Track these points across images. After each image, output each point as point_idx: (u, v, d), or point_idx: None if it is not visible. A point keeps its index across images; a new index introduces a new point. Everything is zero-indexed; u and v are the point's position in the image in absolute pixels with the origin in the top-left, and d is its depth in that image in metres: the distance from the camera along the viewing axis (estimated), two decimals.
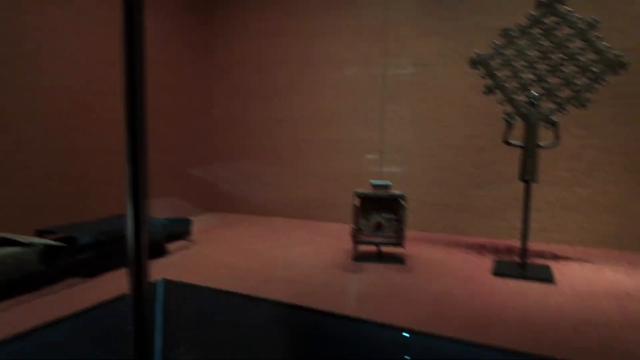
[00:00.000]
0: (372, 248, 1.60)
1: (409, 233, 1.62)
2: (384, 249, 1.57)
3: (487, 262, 1.51)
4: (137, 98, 0.36)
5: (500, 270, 1.39)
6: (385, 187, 1.49)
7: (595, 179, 1.69)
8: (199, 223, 2.16)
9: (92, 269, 1.37)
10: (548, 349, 0.88)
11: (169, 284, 1.28)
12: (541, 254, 1.62)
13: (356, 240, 1.51)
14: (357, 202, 1.49)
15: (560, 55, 1.27)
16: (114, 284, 1.28)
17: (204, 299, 1.23)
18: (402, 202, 1.46)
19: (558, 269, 1.43)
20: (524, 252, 1.41)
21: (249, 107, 2.51)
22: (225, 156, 2.59)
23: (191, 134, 2.50)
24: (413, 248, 1.71)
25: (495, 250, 1.69)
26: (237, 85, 2.53)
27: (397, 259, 1.53)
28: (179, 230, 1.74)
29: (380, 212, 1.51)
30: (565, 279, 1.33)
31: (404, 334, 0.97)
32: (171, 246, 1.69)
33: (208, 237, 1.93)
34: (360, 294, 1.21)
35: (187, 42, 2.43)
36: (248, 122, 2.52)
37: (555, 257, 1.59)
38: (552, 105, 1.31)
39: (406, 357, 0.92)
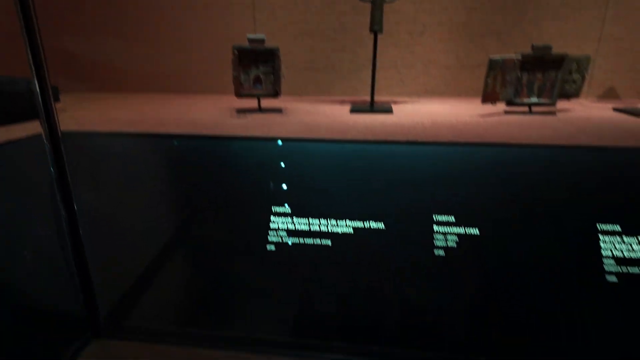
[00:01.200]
0: (254, 104, 1.80)
1: (284, 97, 1.85)
2: (264, 102, 1.78)
3: (346, 108, 1.86)
4: None
5: (355, 109, 1.75)
6: (261, 40, 1.64)
7: (427, 39, 2.11)
8: (68, 99, 2.03)
9: None
10: (382, 138, 1.25)
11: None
12: (386, 102, 2.04)
13: (238, 94, 1.68)
14: (235, 55, 1.62)
15: None
16: None
17: (97, 143, 1.30)
18: (277, 54, 1.64)
19: (396, 107, 1.86)
20: (372, 95, 1.78)
21: None
22: (86, 32, 2.34)
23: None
24: (288, 104, 1.97)
25: (353, 102, 2.05)
26: None
27: (276, 110, 1.77)
28: None
29: (258, 66, 1.68)
30: (400, 111, 1.75)
31: (279, 142, 1.22)
32: None
33: (80, 106, 1.87)
34: (245, 127, 1.42)
35: None
36: None
37: (396, 102, 2.03)
38: None
39: (281, 163, 1.20)
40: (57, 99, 1.71)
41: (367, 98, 2.14)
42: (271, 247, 1.07)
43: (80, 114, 1.65)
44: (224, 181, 1.17)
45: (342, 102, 2.03)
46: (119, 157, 1.25)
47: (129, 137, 1.30)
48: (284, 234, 1.09)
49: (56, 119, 0.96)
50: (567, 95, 1.67)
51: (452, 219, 1.05)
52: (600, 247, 0.97)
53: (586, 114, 1.65)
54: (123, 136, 1.30)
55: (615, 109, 1.73)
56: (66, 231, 0.99)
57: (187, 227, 1.14)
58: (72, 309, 1.02)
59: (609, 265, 0.95)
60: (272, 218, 1.11)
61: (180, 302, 1.06)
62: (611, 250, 0.96)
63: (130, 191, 1.20)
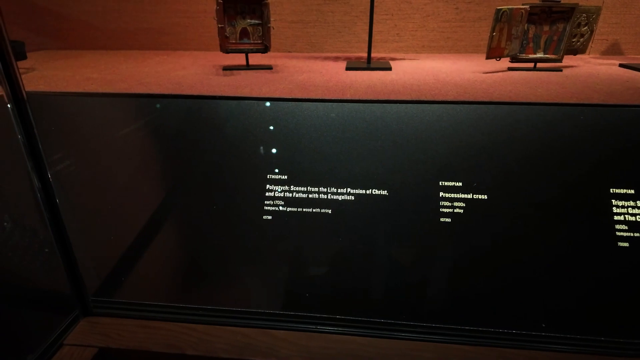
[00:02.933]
0: (241, 61, 1.67)
1: (273, 54, 1.71)
2: (251, 58, 1.65)
3: (341, 65, 1.74)
4: None
5: (351, 66, 1.64)
6: None
7: None
8: (37, 56, 1.86)
9: None
10: (384, 97, 1.16)
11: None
12: (383, 58, 1.93)
13: (224, 49, 1.54)
14: (219, 5, 1.47)
15: None
16: None
17: (70, 105, 1.18)
18: (266, 3, 1.50)
19: (394, 64, 1.75)
20: (369, 51, 1.67)
21: None
22: None
23: None
24: (278, 61, 1.84)
25: (347, 59, 1.93)
26: None
27: (265, 66, 1.64)
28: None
29: (244, 17, 1.53)
30: (400, 67, 1.65)
31: (267, 104, 1.13)
32: None
33: (51, 64, 1.71)
34: (234, 85, 1.31)
35: None
36: None
37: (393, 59, 1.91)
38: None
39: (271, 116, 1.10)
40: (23, 57, 1.55)
41: (363, 54, 2.02)
42: (268, 217, 1.01)
43: (51, 73, 1.50)
44: (214, 147, 1.08)
45: (336, 59, 1.91)
46: (96, 120, 1.14)
47: (107, 98, 1.18)
48: (281, 202, 1.02)
49: (19, 77, 0.85)
50: (573, 51, 1.58)
51: (459, 184, 0.99)
52: (613, 212, 0.93)
53: (592, 70, 1.57)
54: (100, 97, 1.18)
55: (622, 65, 1.66)
56: (42, 204, 0.91)
57: (176, 196, 1.06)
58: (58, 288, 0.96)
59: (622, 230, 0.91)
60: (268, 186, 1.03)
61: (173, 276, 1.00)
62: (624, 216, 0.92)
63: (112, 159, 1.10)
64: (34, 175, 0.90)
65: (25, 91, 0.86)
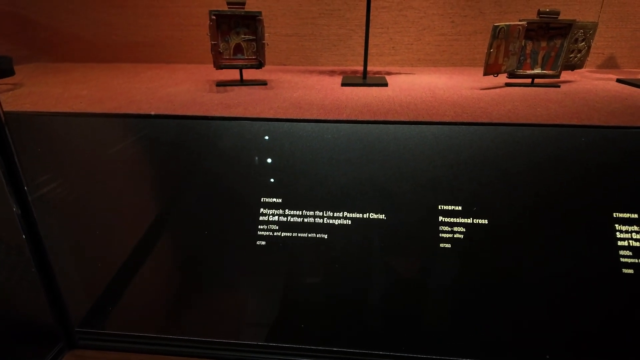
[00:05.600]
0: (235, 76, 1.64)
1: (267, 67, 1.69)
2: (246, 73, 1.63)
3: (336, 80, 1.72)
4: None
5: (347, 82, 1.62)
6: (241, 4, 1.46)
7: (420, 2, 1.96)
8: (26, 70, 1.83)
9: None
10: (381, 117, 1.14)
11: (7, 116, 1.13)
12: (378, 72, 1.91)
13: (217, 65, 1.51)
14: (213, 21, 1.44)
15: None
16: None
17: (57, 126, 1.14)
18: (260, 19, 1.47)
19: (390, 78, 1.73)
20: (365, 65, 1.65)
21: None
22: None
23: None
24: (273, 75, 1.81)
25: (343, 73, 1.91)
26: None
27: (259, 82, 1.62)
28: None
29: (238, 33, 1.51)
30: (396, 83, 1.63)
31: (261, 124, 1.09)
32: None
33: (39, 80, 1.67)
34: (227, 103, 1.28)
35: None
36: None
37: (389, 73, 1.89)
38: None
39: (265, 137, 1.07)
40: (11, 73, 1.51)
41: (358, 67, 2.01)
42: (261, 243, 0.97)
43: (39, 90, 1.47)
44: (205, 169, 1.05)
45: (332, 73, 1.89)
46: (84, 142, 1.10)
47: (95, 118, 1.14)
48: (275, 227, 0.99)
49: None
50: (571, 67, 1.57)
51: (458, 207, 0.97)
52: (616, 237, 0.90)
53: (591, 86, 1.56)
54: (88, 117, 1.15)
55: (619, 80, 1.65)
56: (22, 231, 0.87)
57: (166, 222, 1.02)
58: (41, 318, 0.91)
59: (626, 256, 0.89)
60: (262, 210, 1.00)
61: (163, 306, 0.96)
62: (628, 241, 0.90)
63: (98, 182, 1.06)
64: (13, 201, 0.86)
65: (4, 112, 0.82)
